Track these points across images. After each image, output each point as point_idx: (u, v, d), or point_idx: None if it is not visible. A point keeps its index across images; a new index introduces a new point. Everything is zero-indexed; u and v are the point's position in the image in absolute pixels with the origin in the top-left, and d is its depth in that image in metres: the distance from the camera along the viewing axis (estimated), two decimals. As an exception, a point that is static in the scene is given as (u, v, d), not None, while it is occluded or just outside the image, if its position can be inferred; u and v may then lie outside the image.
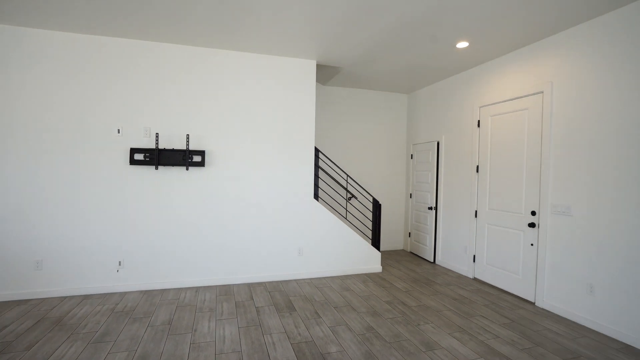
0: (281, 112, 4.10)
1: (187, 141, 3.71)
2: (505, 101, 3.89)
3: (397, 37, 3.44)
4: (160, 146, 3.68)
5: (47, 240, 3.40)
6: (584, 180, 3.04)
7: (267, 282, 4.08)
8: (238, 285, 3.94)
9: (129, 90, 3.59)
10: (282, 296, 3.62)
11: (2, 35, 3.24)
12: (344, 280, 4.18)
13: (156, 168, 3.62)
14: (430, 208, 5.09)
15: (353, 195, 5.20)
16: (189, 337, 2.69)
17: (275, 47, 3.78)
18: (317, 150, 4.43)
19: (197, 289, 3.77)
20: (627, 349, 2.64)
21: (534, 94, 3.54)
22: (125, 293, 3.59)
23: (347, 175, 4.66)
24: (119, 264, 3.59)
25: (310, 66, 4.19)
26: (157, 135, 3.61)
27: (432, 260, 5.04)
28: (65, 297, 3.43)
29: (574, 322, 3.09)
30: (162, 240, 3.72)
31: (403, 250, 5.80)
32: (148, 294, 3.59)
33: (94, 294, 3.54)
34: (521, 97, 3.68)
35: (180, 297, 3.54)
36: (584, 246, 3.04)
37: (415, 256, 5.42)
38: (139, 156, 3.61)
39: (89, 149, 3.49)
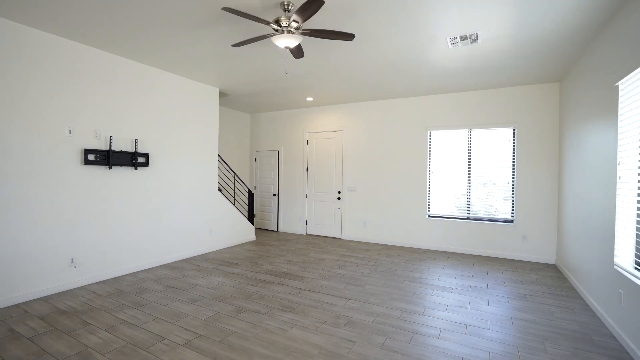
0: (198, 125, 5.30)
1: (136, 145, 4.30)
2: (324, 131, 7.04)
3: (275, 90, 5.73)
4: (105, 147, 4.07)
5: (-12, 245, 3.14)
6: (361, 174, 6.61)
7: (194, 256, 5.19)
8: (175, 262, 4.86)
9: (80, 93, 3.78)
10: (217, 261, 5.02)
11: None
12: (242, 246, 5.94)
13: (110, 168, 4.02)
14: (274, 195, 7.58)
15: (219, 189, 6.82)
16: (197, 289, 3.88)
17: (194, 73, 5.02)
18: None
19: (147, 270, 4.43)
20: (382, 245, 6.36)
21: (338, 131, 6.87)
22: (83, 287, 3.79)
23: (235, 174, 6.31)
24: (72, 261, 3.73)
25: (216, 92, 5.61)
26: (110, 138, 4.02)
27: (277, 230, 7.58)
28: (17, 305, 3.29)
29: (360, 242, 6.62)
30: (115, 230, 4.12)
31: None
32: (114, 281, 3.97)
33: (55, 293, 3.54)
34: (332, 131, 6.94)
35: (145, 277, 4.20)
36: (362, 205, 6.62)
37: (263, 229, 7.74)
38: (91, 156, 3.87)
39: (38, 148, 3.45)
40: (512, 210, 5.46)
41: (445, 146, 5.94)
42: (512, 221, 5.46)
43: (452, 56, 4.04)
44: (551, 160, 5.14)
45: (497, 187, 5.55)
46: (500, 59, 4.10)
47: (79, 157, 3.80)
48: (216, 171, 5.67)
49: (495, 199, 5.58)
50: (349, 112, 6.75)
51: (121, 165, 4.17)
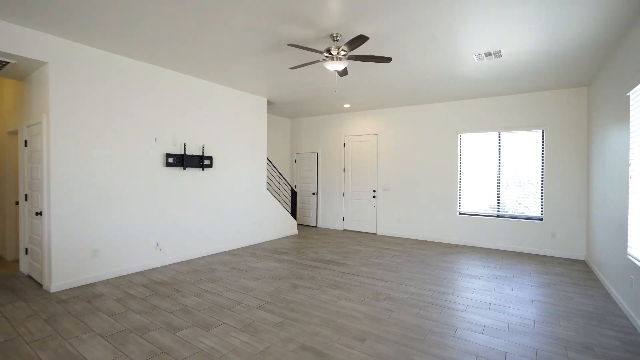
0: (250, 131, 6.08)
1: (203, 150, 5.13)
2: (359, 135, 7.62)
3: (316, 99, 6.37)
4: (181, 152, 4.91)
5: (103, 230, 4.03)
6: (394, 174, 7.12)
7: (247, 246, 5.97)
8: (233, 249, 5.66)
9: (162, 107, 4.64)
10: (268, 250, 5.75)
11: (97, 63, 3.69)
12: (287, 239, 6.66)
13: (184, 169, 4.86)
14: (313, 193, 8.27)
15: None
16: (257, 270, 4.60)
17: (247, 87, 5.78)
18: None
19: (212, 255, 5.25)
20: (415, 240, 6.83)
21: (373, 134, 7.42)
22: (166, 265, 4.65)
23: (280, 174, 7.06)
24: (157, 245, 4.59)
25: (264, 102, 6.37)
26: (185, 145, 4.86)
27: (315, 225, 8.25)
28: (122, 276, 4.18)
29: (394, 237, 7.12)
30: (187, 221, 4.96)
31: (290, 223, 8.66)
32: (187, 263, 4.81)
33: (145, 270, 4.42)
34: (367, 135, 7.50)
35: (211, 260, 5.00)
36: (395, 204, 7.12)
37: (303, 225, 8.44)
38: (171, 160, 4.72)
39: (133, 153, 4.33)
40: (542, 208, 5.74)
41: (476, 148, 6.31)
42: (541, 219, 5.74)
43: (479, 68, 4.48)
44: (580, 160, 5.39)
45: (527, 186, 5.86)
46: (525, 68, 4.48)
47: (162, 160, 4.66)
48: (265, 172, 6.42)
49: (524, 197, 5.89)
50: (383, 116, 7.28)
51: (192, 166, 5.00)
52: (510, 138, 5.98)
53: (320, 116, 8.24)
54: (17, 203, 4.98)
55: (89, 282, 3.91)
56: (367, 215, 7.53)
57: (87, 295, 3.55)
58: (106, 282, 3.93)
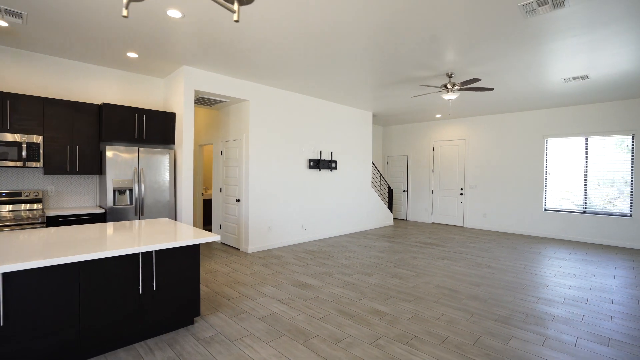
0: (359, 139, 7.61)
1: (331, 155, 6.78)
2: (447, 140, 8.68)
3: (411, 111, 7.62)
4: (318, 157, 6.59)
5: (273, 212, 5.85)
6: (480, 174, 8.05)
7: (357, 232, 7.52)
8: (349, 234, 7.25)
9: (306, 124, 6.37)
10: (376, 235, 7.20)
11: (259, 94, 5.55)
12: (386, 228, 8.06)
13: (319, 170, 6.55)
14: (404, 191, 9.54)
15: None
16: (377, 247, 6.04)
17: (359, 104, 7.29)
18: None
19: (336, 237, 6.88)
20: (501, 233, 7.71)
21: (461, 139, 8.43)
22: (309, 242, 6.38)
23: (381, 175, 8.50)
24: (302, 226, 6.33)
25: (370, 115, 7.85)
26: (320, 152, 6.55)
27: (406, 219, 9.52)
28: (284, 246, 5.97)
29: (481, 229, 8.07)
30: (320, 209, 6.65)
31: (382, 216, 10.04)
32: (322, 240, 6.50)
33: (297, 243, 6.20)
34: (455, 140, 8.54)
35: (338, 240, 6.62)
36: (481, 200, 8.06)
37: (395, 218, 9.77)
38: (311, 163, 6.44)
39: (289, 158, 6.10)
40: (631, 205, 6.27)
41: (562, 151, 7.00)
42: (630, 215, 6.27)
43: (566, 86, 5.35)
44: (670, 162, 5.85)
45: (615, 185, 6.42)
46: (615, 84, 5.23)
47: (306, 164, 6.38)
48: (370, 172, 7.90)
49: (612, 195, 6.45)
50: (471, 123, 8.26)
51: (325, 168, 6.66)
52: (598, 141, 6.58)
53: (410, 124, 9.47)
54: (202, 194, 7.16)
55: (267, 249, 5.75)
56: (455, 210, 8.57)
57: (272, 255, 5.35)
58: (278, 249, 5.74)
